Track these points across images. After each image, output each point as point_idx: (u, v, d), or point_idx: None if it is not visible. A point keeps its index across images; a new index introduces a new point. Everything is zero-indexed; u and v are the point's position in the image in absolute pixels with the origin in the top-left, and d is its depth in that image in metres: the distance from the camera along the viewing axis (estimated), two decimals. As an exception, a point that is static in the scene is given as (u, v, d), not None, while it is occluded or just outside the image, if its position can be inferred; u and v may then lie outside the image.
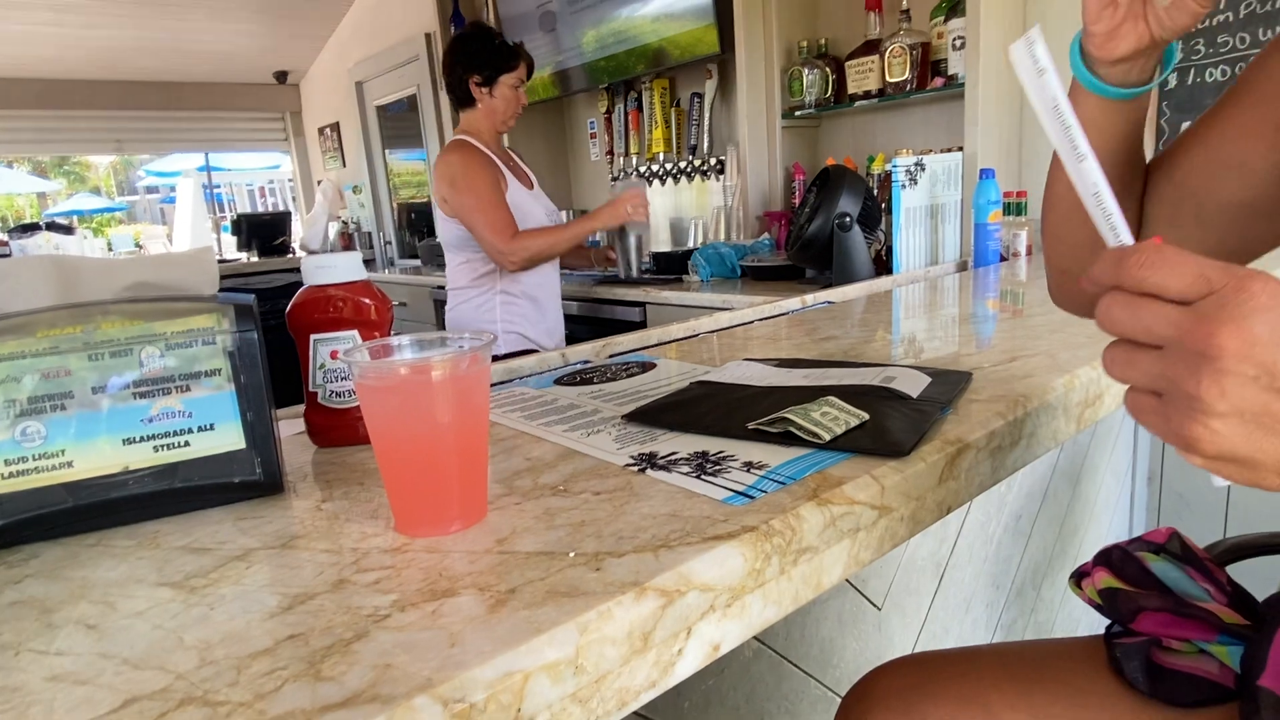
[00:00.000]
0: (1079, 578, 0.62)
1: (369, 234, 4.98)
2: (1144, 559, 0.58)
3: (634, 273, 2.14)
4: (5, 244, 4.43)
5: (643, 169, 2.99)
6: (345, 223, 5.08)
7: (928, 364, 0.82)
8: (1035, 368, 0.78)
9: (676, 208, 3.02)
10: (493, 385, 0.90)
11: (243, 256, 4.96)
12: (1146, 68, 0.55)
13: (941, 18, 2.00)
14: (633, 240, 2.22)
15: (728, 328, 1.26)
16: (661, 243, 3.09)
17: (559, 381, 0.88)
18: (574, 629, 0.37)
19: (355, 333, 0.69)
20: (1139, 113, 0.59)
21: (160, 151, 8.30)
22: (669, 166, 2.87)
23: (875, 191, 2.10)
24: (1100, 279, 0.36)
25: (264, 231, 5.02)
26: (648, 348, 1.12)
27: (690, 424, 0.66)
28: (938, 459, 0.57)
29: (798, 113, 2.40)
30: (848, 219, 1.83)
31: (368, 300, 0.69)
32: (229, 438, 0.56)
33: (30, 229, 4.61)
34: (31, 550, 0.52)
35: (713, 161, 2.73)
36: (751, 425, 0.62)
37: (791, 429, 0.59)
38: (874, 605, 1.17)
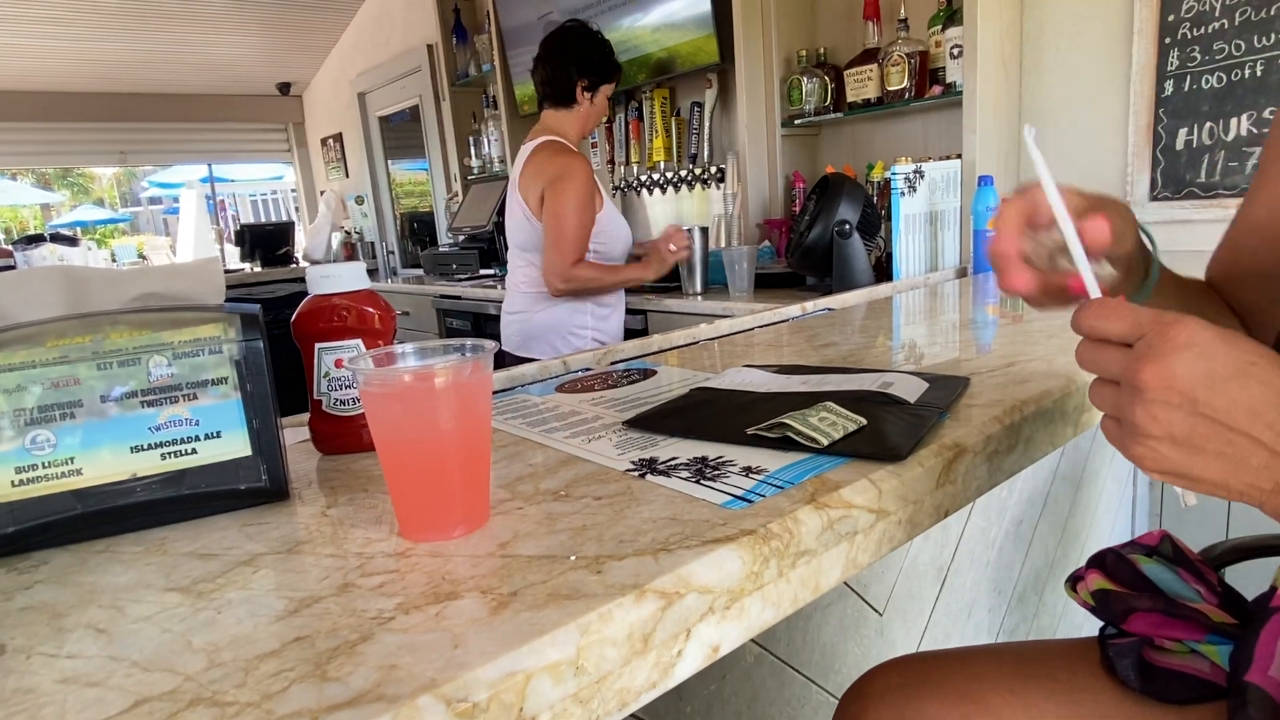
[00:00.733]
0: (1074, 581, 0.62)
1: (371, 244, 5.01)
2: (1136, 561, 0.59)
3: (698, 288, 2.17)
4: (10, 255, 4.45)
5: (643, 177, 3.01)
6: (348, 233, 5.10)
7: (926, 370, 0.83)
8: (1033, 373, 0.79)
9: (677, 216, 3.04)
10: (495, 393, 0.91)
11: (246, 267, 4.98)
12: (1131, 281, 0.56)
13: (939, 26, 2.02)
14: (684, 269, 2.23)
15: (728, 335, 1.26)
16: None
17: (561, 389, 0.88)
18: (575, 630, 0.38)
19: (359, 341, 0.70)
20: (1175, 288, 0.61)
21: (164, 163, 8.34)
22: (669, 175, 2.88)
23: (875, 199, 2.11)
24: (1074, 327, 0.44)
25: (267, 242, 5.04)
26: (648, 355, 1.13)
27: (690, 430, 0.67)
28: (935, 463, 0.58)
29: (797, 121, 2.41)
30: (847, 226, 1.84)
31: (371, 309, 0.70)
32: (235, 445, 0.57)
33: (35, 240, 4.63)
34: (41, 556, 0.52)
35: (713, 170, 2.74)
36: (750, 431, 0.63)
37: (790, 434, 0.60)
38: (875, 611, 1.18)
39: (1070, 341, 0.92)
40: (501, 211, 2.50)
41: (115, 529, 0.55)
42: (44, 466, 0.52)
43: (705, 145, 2.78)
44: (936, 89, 2.04)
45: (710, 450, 0.62)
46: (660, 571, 0.42)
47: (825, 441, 0.59)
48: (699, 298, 2.16)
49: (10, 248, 4.70)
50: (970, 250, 1.85)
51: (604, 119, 2.08)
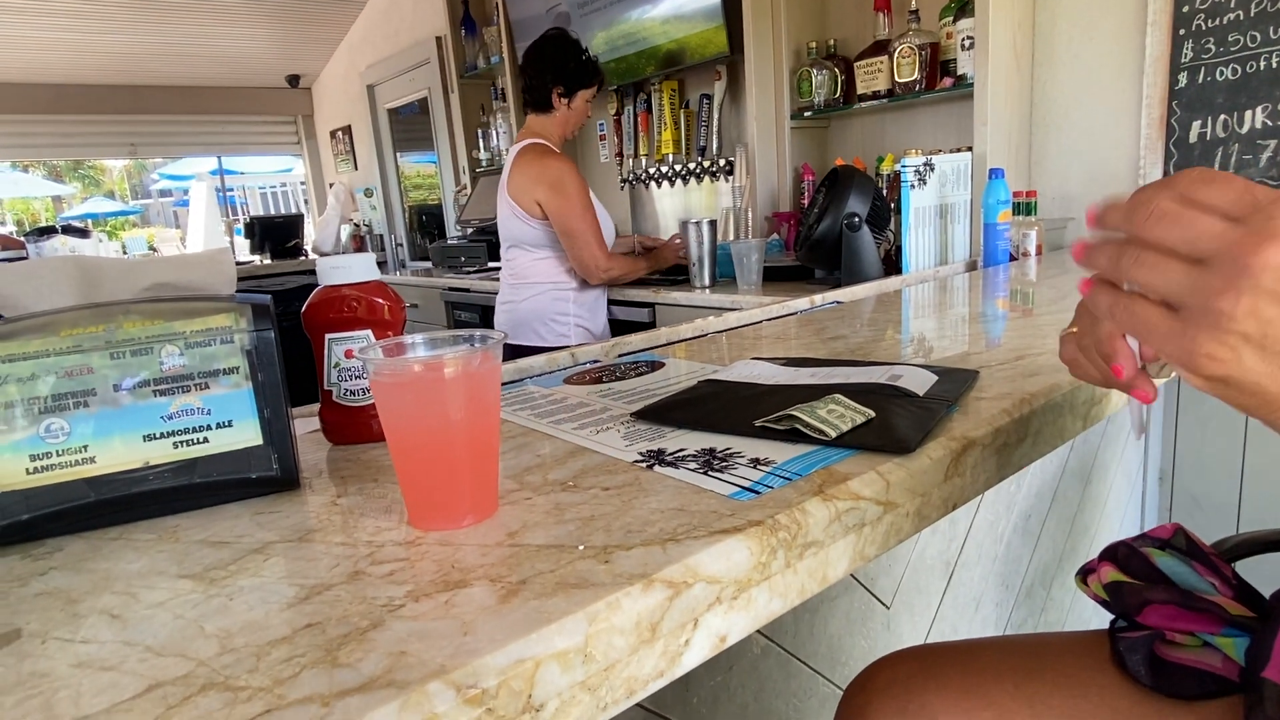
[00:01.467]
0: (1085, 574, 0.62)
1: (380, 236, 5.02)
2: (1150, 554, 0.59)
3: (706, 281, 2.23)
4: (22, 246, 4.48)
5: (651, 170, 3.00)
6: (357, 225, 5.12)
7: (935, 363, 0.83)
8: (1043, 366, 0.79)
9: (686, 209, 3.03)
10: (503, 384, 0.91)
11: (256, 259, 5.00)
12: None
13: (950, 18, 2.00)
14: (692, 262, 2.28)
15: (736, 328, 1.26)
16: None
17: (568, 380, 0.89)
18: (583, 619, 0.38)
19: (369, 332, 0.70)
20: None
21: (173, 155, 8.37)
22: (678, 168, 2.88)
23: (884, 191, 2.10)
24: (1148, 195, 0.36)
25: (276, 234, 5.06)
26: (656, 347, 1.13)
27: (698, 421, 0.67)
28: (943, 456, 0.58)
29: (806, 113, 2.40)
30: (856, 219, 1.83)
31: (381, 300, 0.71)
32: (246, 434, 0.57)
33: (47, 232, 4.66)
34: (56, 543, 0.53)
35: (721, 162, 2.73)
36: (758, 423, 0.63)
37: (798, 426, 0.60)
38: (882, 604, 1.18)
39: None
40: (509, 204, 2.52)
41: (128, 517, 0.55)
42: (58, 454, 0.53)
43: (714, 138, 2.78)
44: (947, 81, 2.03)
45: (718, 442, 0.62)
46: (668, 561, 0.42)
47: (833, 434, 0.59)
48: (707, 291, 2.16)
49: (22, 239, 4.73)
50: (980, 243, 1.84)
51: (585, 120, 2.25)
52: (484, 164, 3.96)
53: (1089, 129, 1.93)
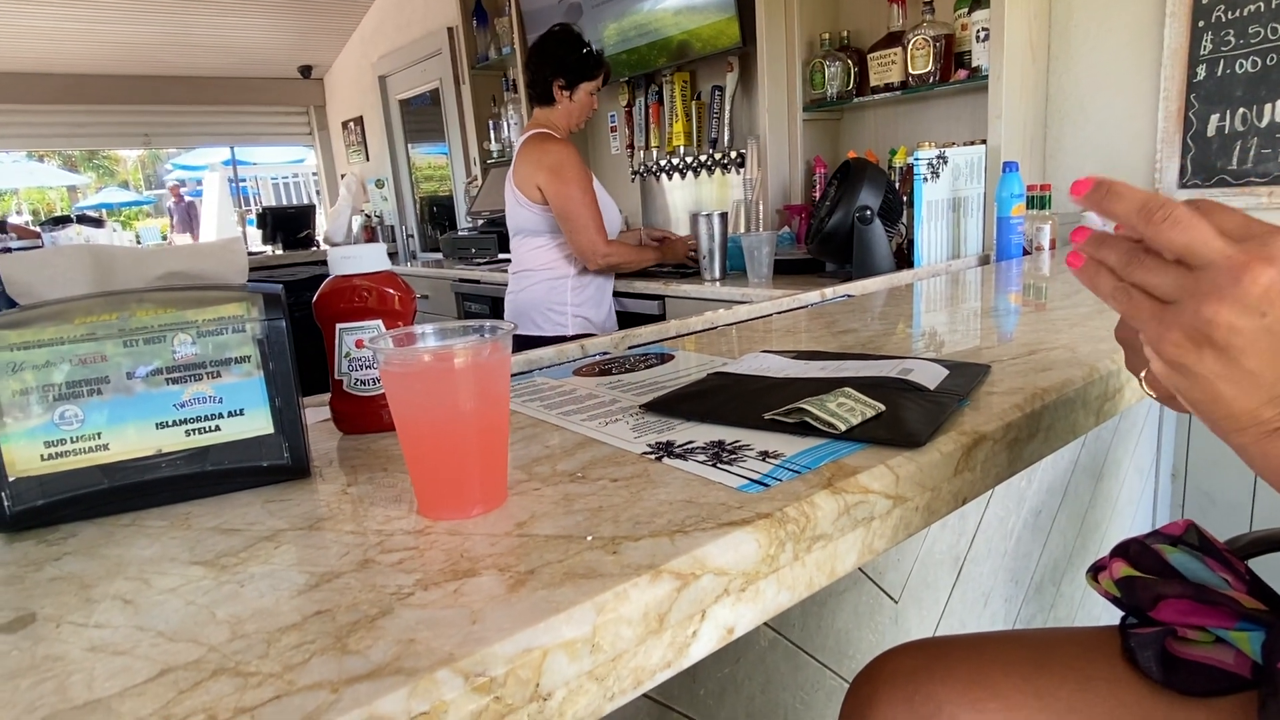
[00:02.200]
0: (1095, 571, 0.62)
1: (391, 227, 5.03)
2: (1162, 551, 0.58)
3: (717, 274, 2.23)
4: (38, 236, 4.52)
5: (662, 162, 2.99)
6: (368, 216, 5.13)
7: (947, 357, 0.82)
8: (1055, 361, 0.78)
9: (696, 201, 3.02)
10: (513, 375, 0.91)
11: (268, 249, 5.02)
12: None
13: (965, 9, 1.98)
14: (702, 256, 2.27)
15: (746, 321, 1.26)
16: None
17: (577, 372, 0.89)
18: (591, 609, 0.38)
19: (380, 322, 0.70)
20: None
21: (187, 145, 8.42)
22: (689, 160, 2.87)
23: (897, 185, 2.09)
24: (1164, 200, 0.40)
25: (288, 225, 5.08)
26: (666, 340, 1.13)
27: (707, 414, 0.67)
28: (953, 450, 0.57)
29: (819, 105, 2.39)
30: (868, 212, 1.82)
31: (392, 290, 0.71)
32: (258, 423, 0.57)
33: (61, 221, 4.71)
34: (70, 529, 0.53)
35: (733, 155, 2.72)
36: (768, 416, 0.62)
37: (807, 419, 0.60)
38: (891, 598, 1.18)
39: (1093, 330, 0.91)
40: (520, 196, 2.53)
41: (141, 503, 0.56)
42: (72, 441, 0.53)
43: (726, 130, 2.76)
44: (962, 73, 2.01)
45: (727, 434, 0.62)
46: (676, 553, 0.42)
47: (843, 427, 0.58)
48: (717, 283, 2.15)
49: (38, 229, 4.77)
50: (993, 237, 1.83)
51: (591, 113, 2.27)
52: (495, 155, 3.95)
53: (1105, 122, 1.91)
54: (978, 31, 1.94)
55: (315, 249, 4.94)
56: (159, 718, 0.32)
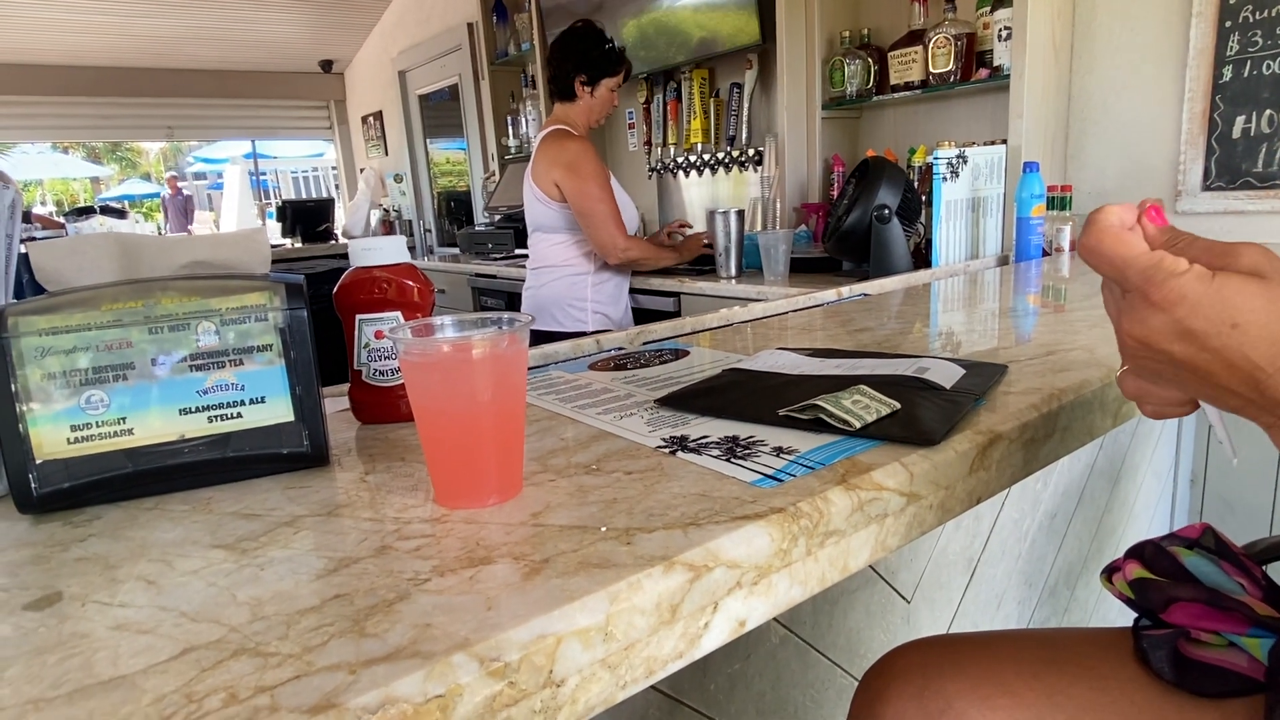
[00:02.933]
0: (1109, 572, 0.61)
1: (409, 222, 5.06)
2: (1177, 554, 0.58)
3: (732, 271, 2.25)
4: (62, 227, 4.58)
5: (680, 159, 2.99)
6: (387, 210, 5.16)
7: (963, 357, 0.82)
8: (1073, 362, 0.78)
9: (713, 198, 3.02)
10: (529, 369, 0.92)
11: (287, 242, 5.06)
12: None
13: (988, 8, 1.97)
14: (719, 253, 2.28)
15: (761, 318, 1.26)
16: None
17: (593, 366, 0.89)
18: (605, 598, 0.38)
19: (399, 314, 0.71)
20: None
21: (209, 138, 8.50)
22: (706, 157, 2.86)
23: (915, 184, 2.08)
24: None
25: (308, 218, 5.12)
26: (681, 336, 1.13)
27: (721, 409, 0.67)
28: (968, 449, 0.57)
29: (838, 104, 2.38)
30: (886, 211, 1.81)
31: (411, 282, 0.71)
32: (279, 411, 0.58)
33: (85, 212, 4.76)
34: (95, 512, 0.54)
35: (751, 152, 2.72)
36: (782, 412, 0.63)
37: (822, 416, 0.60)
38: (903, 597, 1.17)
39: (1111, 333, 0.90)
40: (538, 191, 2.54)
41: (164, 488, 0.57)
42: (97, 425, 0.54)
43: (744, 127, 2.76)
44: (983, 72, 2.00)
45: (741, 430, 0.62)
46: (689, 545, 0.43)
47: (857, 424, 0.58)
48: (733, 281, 2.15)
49: (62, 220, 4.83)
50: (1013, 238, 1.82)
51: (612, 109, 2.27)
52: (513, 151, 3.97)
53: (1128, 123, 1.89)
54: (1000, 30, 1.93)
55: (334, 242, 4.98)
56: (182, 695, 0.33)
